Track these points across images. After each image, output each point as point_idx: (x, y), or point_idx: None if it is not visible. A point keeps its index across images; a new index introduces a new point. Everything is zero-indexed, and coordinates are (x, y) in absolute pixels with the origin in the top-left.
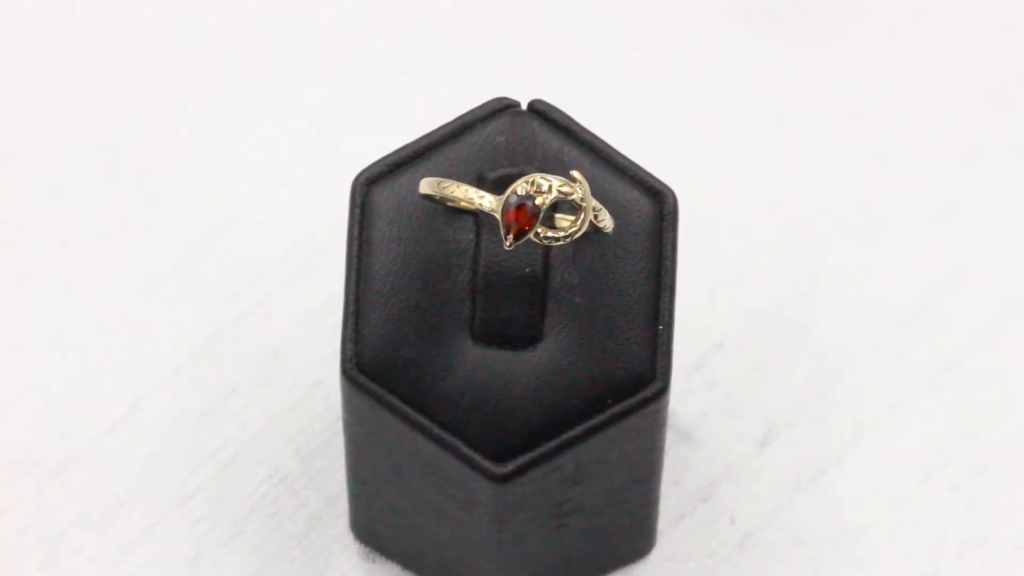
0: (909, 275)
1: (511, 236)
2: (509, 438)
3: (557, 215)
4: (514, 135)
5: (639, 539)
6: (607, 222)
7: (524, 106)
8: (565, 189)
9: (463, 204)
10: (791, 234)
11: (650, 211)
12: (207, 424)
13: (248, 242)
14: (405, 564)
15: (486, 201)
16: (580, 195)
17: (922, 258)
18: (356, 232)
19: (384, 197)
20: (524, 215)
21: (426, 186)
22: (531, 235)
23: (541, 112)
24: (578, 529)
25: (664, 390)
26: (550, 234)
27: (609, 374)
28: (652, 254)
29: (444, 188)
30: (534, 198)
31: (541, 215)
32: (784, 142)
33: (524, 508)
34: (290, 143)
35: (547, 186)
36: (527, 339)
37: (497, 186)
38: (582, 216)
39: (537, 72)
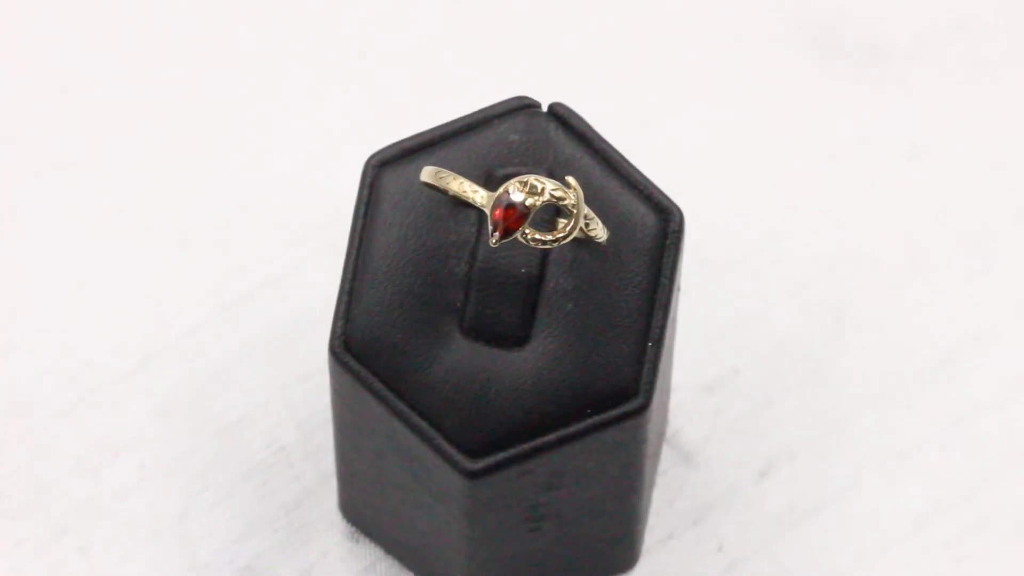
0: (935, 326)
1: (497, 234)
2: (485, 435)
3: (559, 219)
4: (529, 135)
5: (619, 554)
6: (599, 232)
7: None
8: (558, 193)
9: (460, 197)
10: (823, 271)
11: (655, 227)
12: (215, 386)
13: (283, 212)
14: (386, 548)
15: (478, 196)
16: (572, 201)
17: (951, 311)
18: (361, 212)
19: (392, 181)
20: (512, 214)
21: (426, 174)
22: (518, 235)
23: (559, 116)
24: (553, 536)
25: (645, 407)
26: (537, 236)
27: (591, 384)
28: (651, 270)
29: (442, 179)
30: (525, 199)
31: (530, 216)
32: (831, 178)
33: (496, 507)
34: (339, 121)
35: (540, 188)
36: (515, 339)
37: (503, 184)
38: (572, 222)
39: (585, 80)
